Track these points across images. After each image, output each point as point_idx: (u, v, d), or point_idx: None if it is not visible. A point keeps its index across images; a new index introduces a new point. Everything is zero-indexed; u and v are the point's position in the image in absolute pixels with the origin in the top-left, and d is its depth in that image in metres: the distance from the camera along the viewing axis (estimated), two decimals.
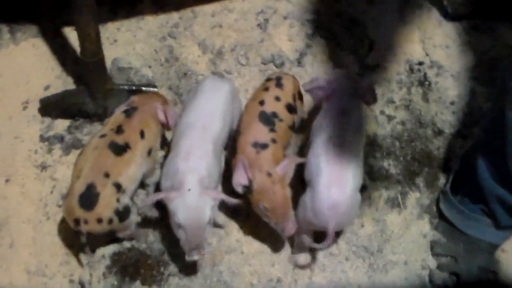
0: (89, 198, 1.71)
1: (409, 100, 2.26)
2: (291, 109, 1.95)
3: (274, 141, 1.84)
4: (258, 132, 1.85)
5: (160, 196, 1.73)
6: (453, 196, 1.95)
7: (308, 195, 1.76)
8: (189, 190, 1.70)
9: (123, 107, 1.97)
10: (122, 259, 1.89)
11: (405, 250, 1.96)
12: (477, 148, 1.81)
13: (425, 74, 2.32)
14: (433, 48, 2.37)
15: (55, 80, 2.28)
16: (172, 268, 1.88)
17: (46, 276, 1.89)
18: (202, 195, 1.71)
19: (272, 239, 1.94)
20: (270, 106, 1.91)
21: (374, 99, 1.97)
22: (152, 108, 1.96)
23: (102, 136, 1.83)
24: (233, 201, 1.76)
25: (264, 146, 1.82)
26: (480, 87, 2.29)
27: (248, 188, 1.78)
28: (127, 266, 1.88)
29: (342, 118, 1.85)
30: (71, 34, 2.34)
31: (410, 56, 2.36)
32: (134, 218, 1.85)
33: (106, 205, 1.73)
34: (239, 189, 1.80)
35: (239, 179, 1.78)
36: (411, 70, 2.33)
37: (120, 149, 1.81)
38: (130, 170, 1.82)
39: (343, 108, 1.87)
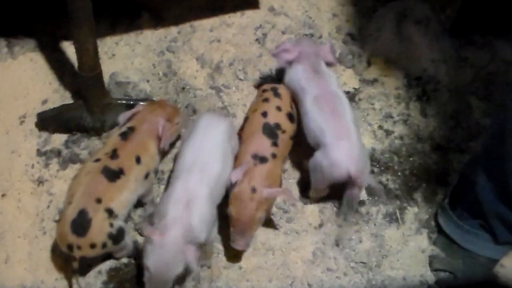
0: (81, 224, 1.70)
1: (407, 114, 2.26)
2: (291, 118, 1.96)
3: (274, 156, 1.84)
4: (261, 144, 1.85)
5: (144, 231, 1.69)
6: (452, 211, 1.94)
7: (319, 155, 1.86)
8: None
9: (123, 122, 1.95)
10: (119, 274, 1.88)
11: (404, 266, 1.95)
12: (477, 163, 1.81)
13: (423, 89, 2.32)
14: (431, 63, 2.37)
15: (53, 94, 2.28)
16: None
17: None
18: (180, 251, 1.66)
19: (270, 254, 1.93)
20: (273, 117, 1.92)
21: (335, 60, 2.13)
22: (152, 126, 1.92)
23: (97, 160, 1.81)
24: (202, 263, 1.74)
25: (263, 160, 1.81)
26: (478, 101, 2.29)
27: (231, 187, 1.79)
28: (124, 281, 1.87)
29: (319, 78, 1.98)
30: (69, 48, 2.34)
31: (408, 71, 2.37)
32: (129, 238, 1.83)
33: (99, 230, 1.72)
34: (228, 182, 1.80)
35: (232, 175, 1.78)
36: (409, 85, 2.34)
37: (113, 175, 1.79)
38: (123, 196, 1.79)
39: (315, 69, 2.00)
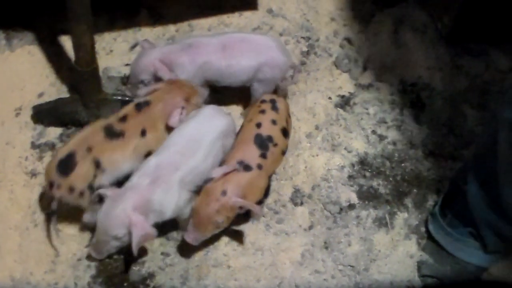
0: (66, 165, 1.77)
1: (401, 120, 2.27)
2: (285, 133, 1.96)
3: (259, 167, 1.83)
4: (249, 152, 1.85)
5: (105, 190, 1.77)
6: (442, 218, 1.95)
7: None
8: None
9: (145, 91, 1.97)
10: (107, 269, 1.89)
11: (392, 270, 1.96)
12: (468, 172, 1.82)
13: (417, 96, 2.33)
14: (426, 70, 2.39)
15: (49, 87, 2.28)
16: (158, 279, 1.88)
17: (30, 283, 1.88)
18: (126, 215, 1.70)
19: (259, 254, 1.94)
20: (267, 130, 1.90)
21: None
22: (166, 108, 1.93)
23: (106, 119, 1.89)
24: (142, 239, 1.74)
25: (247, 168, 1.81)
26: (472, 110, 2.30)
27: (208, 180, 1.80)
28: (113, 276, 1.88)
29: None
30: (67, 43, 2.34)
31: (403, 77, 2.38)
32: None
33: (81, 176, 1.78)
34: (208, 176, 1.81)
35: (216, 171, 1.79)
36: (404, 91, 2.35)
37: (112, 134, 1.84)
38: (114, 155, 1.83)
39: None
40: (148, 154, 1.89)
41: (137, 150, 1.88)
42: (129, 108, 1.92)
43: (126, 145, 1.85)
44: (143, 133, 1.88)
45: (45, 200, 1.98)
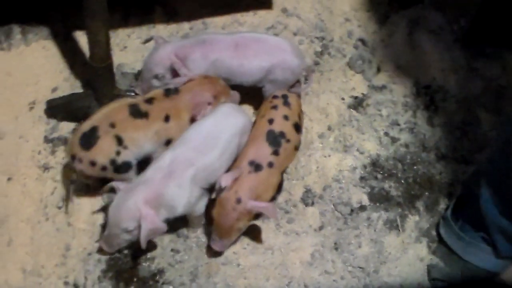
0: (89, 139, 1.81)
1: (414, 123, 2.26)
2: (298, 128, 1.96)
3: (270, 165, 1.83)
4: (261, 150, 1.85)
5: (118, 184, 1.79)
6: (454, 222, 1.93)
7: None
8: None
9: (180, 80, 1.99)
10: (118, 264, 1.89)
11: (401, 273, 1.95)
12: (481, 176, 1.81)
13: (431, 98, 2.32)
14: (441, 73, 2.37)
15: (63, 82, 2.29)
16: (168, 276, 1.88)
17: (41, 276, 1.89)
18: (136, 208, 1.71)
19: (269, 253, 1.94)
20: (279, 125, 1.91)
21: None
22: (194, 99, 1.95)
23: (133, 98, 1.93)
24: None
25: (258, 168, 1.81)
26: (486, 114, 2.28)
27: (219, 191, 1.79)
28: (123, 271, 1.88)
29: None
30: (82, 38, 2.36)
31: (417, 79, 2.37)
32: (132, 174, 1.89)
33: (103, 151, 1.82)
34: (217, 185, 1.80)
35: (222, 179, 1.78)
36: (418, 93, 2.34)
37: (137, 113, 1.88)
38: (137, 134, 1.86)
39: None
40: (168, 142, 1.91)
41: (158, 135, 1.90)
42: (157, 92, 1.95)
43: (148, 127, 1.88)
44: (167, 118, 1.91)
45: (66, 171, 2.02)
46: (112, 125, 1.83)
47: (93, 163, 1.82)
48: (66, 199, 1.99)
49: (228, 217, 1.77)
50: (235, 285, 1.89)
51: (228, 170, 1.87)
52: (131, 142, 1.85)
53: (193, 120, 1.95)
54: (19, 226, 1.98)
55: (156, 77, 2.06)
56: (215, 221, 1.80)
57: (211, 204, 1.87)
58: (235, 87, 2.11)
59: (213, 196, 1.85)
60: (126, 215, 1.72)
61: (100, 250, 1.89)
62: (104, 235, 1.82)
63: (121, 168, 1.86)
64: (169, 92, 1.95)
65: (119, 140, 1.84)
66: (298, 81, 2.15)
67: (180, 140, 1.86)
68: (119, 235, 1.77)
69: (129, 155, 1.86)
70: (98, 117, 1.85)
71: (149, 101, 1.91)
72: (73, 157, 1.84)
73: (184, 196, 1.78)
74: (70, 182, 1.95)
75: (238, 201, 1.76)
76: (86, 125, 1.84)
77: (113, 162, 1.84)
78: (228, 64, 2.05)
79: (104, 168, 1.84)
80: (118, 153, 1.84)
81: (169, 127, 1.91)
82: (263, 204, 1.78)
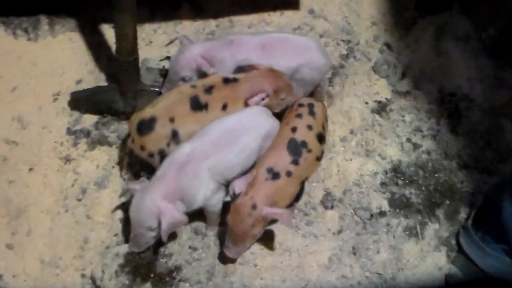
0: (145, 126, 1.86)
1: (437, 130, 2.24)
2: (321, 139, 1.94)
3: (289, 174, 1.81)
4: (280, 159, 1.83)
5: (136, 183, 1.84)
6: (475, 232, 1.92)
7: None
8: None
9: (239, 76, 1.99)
10: (135, 259, 1.89)
11: (419, 281, 1.93)
12: (504, 188, 1.78)
13: (456, 106, 2.30)
14: (467, 81, 2.35)
15: (88, 75, 2.30)
16: (185, 273, 1.88)
17: (59, 267, 1.91)
18: (155, 205, 1.73)
19: (286, 255, 1.94)
20: (302, 135, 1.89)
21: None
22: (252, 89, 1.95)
23: (193, 86, 1.92)
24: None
25: (276, 176, 1.80)
26: (511, 124, 2.26)
27: (234, 197, 1.79)
28: (140, 266, 1.89)
29: None
30: (108, 32, 2.36)
31: (442, 87, 2.34)
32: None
33: (155, 141, 1.86)
34: (230, 191, 1.79)
35: (236, 185, 1.78)
36: (442, 100, 2.32)
37: (197, 106, 1.89)
38: (194, 127, 1.88)
39: None
40: None
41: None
42: (216, 80, 1.95)
43: (207, 118, 1.90)
44: (224, 107, 1.93)
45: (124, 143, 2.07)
46: (172, 120, 1.87)
47: (143, 148, 1.87)
48: (120, 168, 2.07)
49: (243, 223, 1.76)
50: (252, 285, 1.88)
51: (247, 173, 1.86)
52: (185, 136, 1.89)
53: (246, 105, 1.96)
54: (39, 217, 1.99)
55: (183, 79, 2.06)
56: (230, 227, 1.79)
57: (226, 209, 1.86)
58: None
59: (228, 198, 1.85)
60: (146, 214, 1.74)
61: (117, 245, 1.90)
62: (131, 237, 1.83)
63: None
64: (228, 81, 1.95)
65: (174, 134, 1.88)
66: (321, 85, 2.14)
67: (199, 133, 1.87)
68: (145, 234, 1.78)
69: (177, 145, 1.90)
70: (160, 109, 1.88)
71: (209, 90, 1.92)
72: (128, 134, 1.91)
73: (200, 189, 1.78)
74: (125, 153, 2.00)
75: (254, 207, 1.75)
76: (148, 112, 1.87)
77: (161, 152, 1.87)
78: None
79: (151, 155, 1.88)
80: (168, 144, 1.87)
81: (225, 115, 1.92)
82: (278, 210, 1.77)
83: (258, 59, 2.03)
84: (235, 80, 1.95)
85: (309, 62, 2.06)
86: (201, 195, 1.80)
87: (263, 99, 1.95)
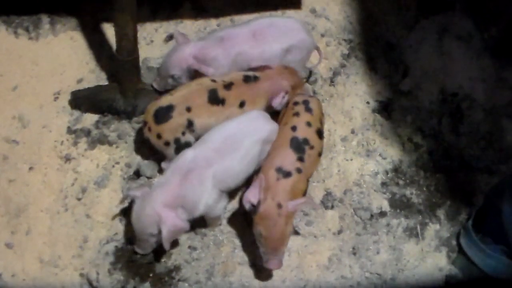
0: (162, 115, 1.89)
1: (439, 130, 2.23)
2: (320, 134, 1.94)
3: (299, 171, 1.82)
4: (286, 158, 1.83)
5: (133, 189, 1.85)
6: (475, 233, 1.91)
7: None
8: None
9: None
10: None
11: (419, 282, 1.93)
12: (504, 190, 1.78)
13: (457, 106, 2.29)
14: (469, 81, 2.34)
15: (89, 74, 2.30)
16: (184, 273, 1.88)
17: (58, 267, 1.90)
18: (155, 212, 1.73)
19: (286, 255, 1.93)
20: (302, 132, 1.89)
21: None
22: (272, 87, 1.98)
23: (213, 80, 1.95)
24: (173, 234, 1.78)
25: (287, 175, 1.80)
26: None
27: (254, 208, 1.77)
28: (139, 266, 1.89)
29: None
30: (110, 31, 2.36)
31: (444, 86, 2.33)
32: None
33: (171, 130, 1.90)
34: (247, 206, 1.77)
35: (250, 196, 1.76)
36: (444, 100, 2.31)
37: (215, 99, 1.92)
38: (209, 120, 1.92)
39: None
40: None
41: (229, 119, 1.92)
42: (237, 77, 1.97)
43: (222, 113, 1.92)
44: (242, 104, 1.95)
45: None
46: (188, 109, 1.90)
47: (159, 136, 1.90)
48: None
49: (277, 226, 1.74)
50: (251, 285, 1.88)
51: (251, 178, 1.86)
52: (201, 127, 1.92)
53: (270, 107, 1.99)
54: (38, 216, 1.99)
55: (172, 77, 2.07)
56: (265, 237, 1.76)
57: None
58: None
59: (247, 209, 1.80)
60: (147, 222, 1.74)
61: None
62: (136, 240, 1.84)
63: (181, 147, 1.90)
64: (248, 79, 1.97)
65: (190, 124, 1.90)
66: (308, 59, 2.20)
67: (201, 139, 1.87)
68: (147, 240, 1.79)
69: (193, 136, 1.93)
70: (178, 97, 1.91)
71: (228, 86, 1.94)
72: (145, 123, 1.93)
73: (202, 196, 1.78)
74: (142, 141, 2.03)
75: (279, 206, 1.75)
76: (165, 101, 1.91)
77: (177, 140, 1.91)
78: (250, 54, 2.07)
79: (167, 144, 1.91)
80: (183, 133, 1.90)
81: (242, 113, 1.94)
82: (302, 199, 1.79)
83: (252, 48, 2.05)
84: (256, 78, 1.97)
85: (299, 42, 2.11)
86: (203, 203, 1.79)
87: (283, 97, 1.98)
